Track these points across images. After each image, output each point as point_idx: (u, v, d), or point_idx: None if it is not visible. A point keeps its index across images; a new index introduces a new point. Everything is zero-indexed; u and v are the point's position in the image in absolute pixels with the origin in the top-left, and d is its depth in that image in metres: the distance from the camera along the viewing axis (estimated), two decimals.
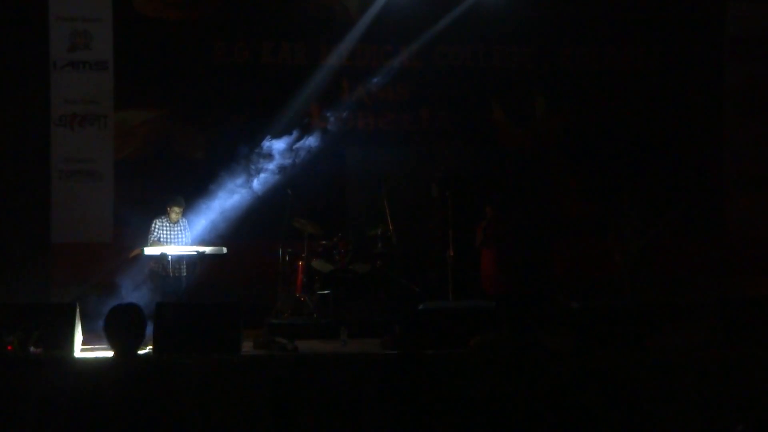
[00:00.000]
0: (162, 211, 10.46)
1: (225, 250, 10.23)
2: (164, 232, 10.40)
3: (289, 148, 11.61)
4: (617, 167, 12.40)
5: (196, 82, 12.01)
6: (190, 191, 11.21)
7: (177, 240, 10.41)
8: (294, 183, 11.46)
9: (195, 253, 10.14)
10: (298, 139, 11.69)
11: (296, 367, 8.63)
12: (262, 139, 11.64)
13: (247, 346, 9.19)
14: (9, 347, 8.45)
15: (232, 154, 11.67)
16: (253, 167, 11.47)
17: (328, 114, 11.99)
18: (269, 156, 11.50)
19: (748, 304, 9.28)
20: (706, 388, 7.57)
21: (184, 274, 10.30)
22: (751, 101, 12.47)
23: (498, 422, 7.69)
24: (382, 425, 8.48)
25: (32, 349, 8.57)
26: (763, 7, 12.60)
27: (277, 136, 11.62)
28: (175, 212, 10.39)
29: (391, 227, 11.75)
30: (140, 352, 8.66)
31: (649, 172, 12.36)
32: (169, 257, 10.06)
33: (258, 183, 11.39)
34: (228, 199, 11.46)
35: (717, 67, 12.62)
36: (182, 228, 10.51)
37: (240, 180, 11.41)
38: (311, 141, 11.68)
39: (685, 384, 7.71)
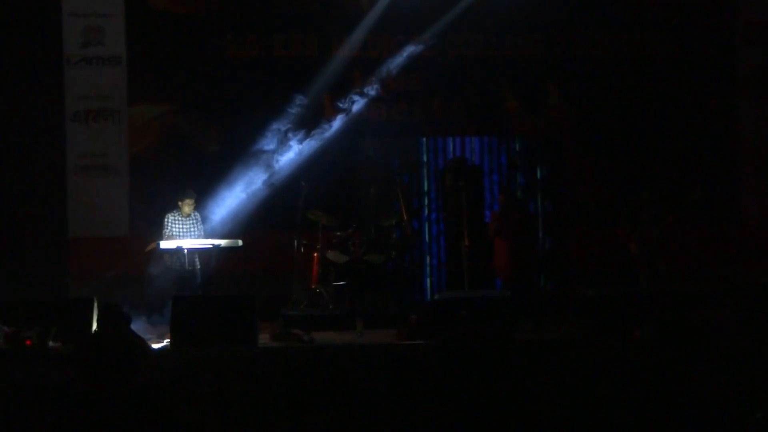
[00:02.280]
0: (174, 206, 10.51)
1: (240, 242, 10.28)
2: (177, 226, 10.44)
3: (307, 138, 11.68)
4: (632, 155, 12.35)
5: (208, 75, 12.03)
6: (204, 184, 11.29)
7: (190, 234, 10.45)
8: (308, 175, 11.49)
9: (210, 246, 10.18)
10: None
11: (312, 358, 8.66)
12: (276, 131, 11.70)
13: (263, 338, 9.25)
14: (28, 342, 8.54)
15: (246, 146, 11.74)
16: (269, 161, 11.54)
17: (354, 97, 11.98)
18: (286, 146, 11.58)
19: (764, 290, 9.26)
20: (722, 374, 7.56)
21: (200, 267, 10.35)
22: (766, 87, 12.36)
23: (512, 413, 7.72)
24: (398, 416, 8.52)
25: (51, 343, 8.65)
26: None
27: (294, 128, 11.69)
28: (187, 205, 10.43)
29: (405, 217, 11.77)
30: (156, 345, 8.83)
31: (664, 160, 12.31)
32: (185, 251, 10.10)
33: (270, 177, 11.46)
34: (243, 191, 11.54)
35: (731, 52, 12.53)
36: (195, 221, 10.55)
37: (257, 173, 11.50)
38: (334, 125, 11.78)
39: (702, 371, 7.70)
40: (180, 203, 10.45)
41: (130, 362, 6.89)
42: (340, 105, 11.98)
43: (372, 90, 12.01)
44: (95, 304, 9.05)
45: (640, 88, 12.43)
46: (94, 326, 8.99)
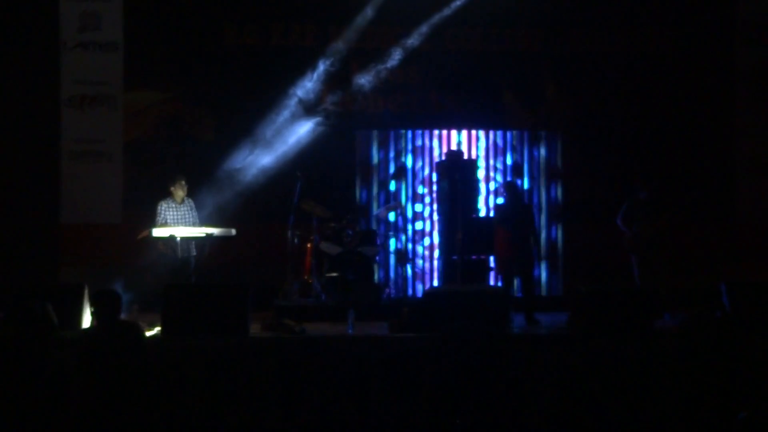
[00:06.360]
0: (167, 193, 10.47)
1: (234, 231, 10.22)
2: (171, 213, 10.40)
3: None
4: (628, 151, 12.34)
5: (206, 63, 12.00)
6: (199, 172, 11.27)
7: (184, 221, 10.42)
8: (303, 165, 11.48)
9: (203, 234, 10.15)
10: None
11: (304, 349, 8.66)
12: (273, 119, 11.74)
13: (254, 328, 9.23)
14: None
15: (242, 135, 11.73)
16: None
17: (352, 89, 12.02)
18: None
19: (755, 289, 9.27)
20: (710, 374, 7.57)
21: (193, 254, 10.32)
22: (763, 86, 12.34)
23: (509, 406, 7.74)
24: (389, 407, 8.53)
25: None
26: None
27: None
28: (180, 188, 10.39)
29: (400, 209, 11.78)
30: (149, 333, 8.81)
31: (660, 156, 12.31)
32: (178, 239, 10.06)
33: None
34: (237, 180, 11.55)
35: (728, 51, 12.51)
36: (189, 208, 10.52)
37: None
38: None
39: (690, 370, 7.71)
40: (172, 189, 10.42)
41: (128, 351, 6.92)
42: (337, 97, 11.99)
43: (369, 82, 12.00)
44: (86, 291, 9.02)
45: (637, 84, 12.41)
46: (87, 315, 8.98)
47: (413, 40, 12.07)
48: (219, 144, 11.90)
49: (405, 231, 12.04)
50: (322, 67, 11.97)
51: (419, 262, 12.32)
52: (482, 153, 12.48)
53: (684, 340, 7.76)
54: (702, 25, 12.40)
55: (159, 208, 10.40)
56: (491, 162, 12.46)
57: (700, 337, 7.60)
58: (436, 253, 12.25)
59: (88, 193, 11.74)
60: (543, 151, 12.50)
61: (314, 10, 12.11)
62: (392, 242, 11.98)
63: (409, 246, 12.11)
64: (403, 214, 12.19)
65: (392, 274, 12.09)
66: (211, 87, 12.01)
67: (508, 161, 12.48)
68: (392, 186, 12.30)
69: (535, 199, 12.48)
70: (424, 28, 12.06)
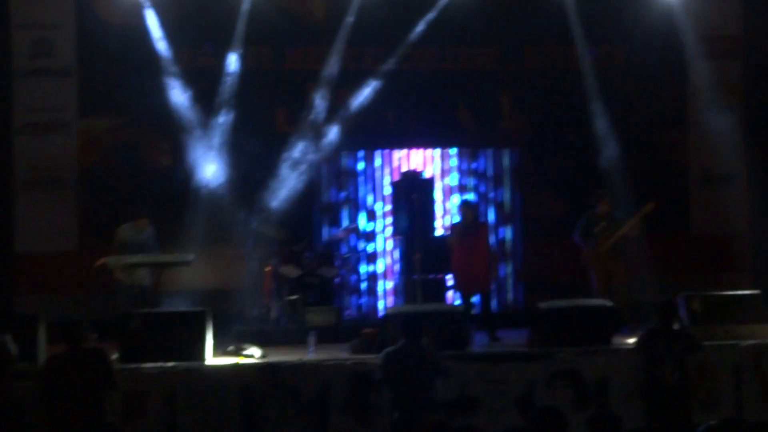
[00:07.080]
0: (127, 219, 10.38)
1: (191, 257, 10.15)
2: (129, 239, 10.30)
3: None
4: (584, 167, 12.40)
5: (161, 88, 11.88)
6: (156, 198, 11.17)
7: (145, 247, 10.32)
8: (261, 188, 11.44)
9: (161, 261, 10.06)
10: None
11: (264, 374, 8.60)
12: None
13: (214, 355, 9.16)
14: None
15: (198, 160, 11.65)
16: None
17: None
18: None
19: (709, 301, 9.37)
20: (669, 386, 7.62)
21: (150, 282, 10.21)
22: (714, 99, 12.48)
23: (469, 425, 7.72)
24: (351, 430, 8.49)
25: None
26: (726, 5, 12.66)
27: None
28: (138, 225, 10.32)
29: (359, 231, 11.78)
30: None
31: (616, 171, 12.39)
32: (135, 266, 9.98)
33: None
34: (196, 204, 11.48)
35: (682, 65, 12.66)
36: (149, 235, 10.42)
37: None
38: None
39: (649, 383, 7.75)
40: (134, 223, 10.35)
41: (96, 375, 6.90)
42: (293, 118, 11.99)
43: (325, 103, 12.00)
44: (42, 322, 8.89)
45: (593, 100, 12.45)
46: (43, 346, 8.86)
47: (370, 62, 12.09)
48: (176, 169, 11.80)
49: (358, 260, 12.01)
50: (279, 89, 11.94)
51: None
52: (439, 171, 12.49)
53: (642, 353, 7.83)
54: (656, 40, 12.48)
55: (119, 233, 10.31)
56: (448, 179, 12.49)
57: (658, 350, 7.66)
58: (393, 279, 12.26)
59: (43, 222, 11.55)
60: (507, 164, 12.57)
61: (270, 33, 12.07)
62: (344, 276, 11.89)
63: (364, 285, 12.08)
64: (357, 239, 12.16)
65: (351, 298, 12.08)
66: (167, 112, 11.89)
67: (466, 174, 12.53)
68: (348, 208, 12.28)
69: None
70: (380, 50, 12.08)
